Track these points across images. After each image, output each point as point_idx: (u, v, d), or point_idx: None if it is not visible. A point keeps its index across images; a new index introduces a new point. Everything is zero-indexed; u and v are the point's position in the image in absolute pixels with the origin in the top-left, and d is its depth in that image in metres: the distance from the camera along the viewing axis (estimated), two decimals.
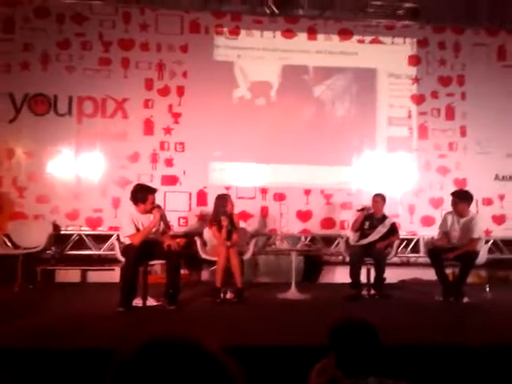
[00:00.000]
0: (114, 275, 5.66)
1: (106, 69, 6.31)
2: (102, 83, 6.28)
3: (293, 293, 5.20)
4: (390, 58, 6.73)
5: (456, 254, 5.06)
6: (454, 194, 5.41)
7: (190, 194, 6.31)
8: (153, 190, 4.74)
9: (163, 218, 4.87)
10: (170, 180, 6.29)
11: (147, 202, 4.63)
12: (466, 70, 6.78)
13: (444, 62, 6.77)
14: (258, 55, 6.64)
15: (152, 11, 6.44)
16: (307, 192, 6.47)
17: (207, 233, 5.36)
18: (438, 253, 5.23)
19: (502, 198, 6.66)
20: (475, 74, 6.76)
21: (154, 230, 4.67)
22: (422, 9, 6.78)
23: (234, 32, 6.58)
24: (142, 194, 4.65)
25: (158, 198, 5.36)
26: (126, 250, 4.62)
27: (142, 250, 4.49)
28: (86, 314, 4.11)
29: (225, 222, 5.06)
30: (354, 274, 5.25)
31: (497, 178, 6.67)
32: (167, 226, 5.02)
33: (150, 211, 4.66)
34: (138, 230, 4.59)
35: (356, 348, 1.78)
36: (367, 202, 5.66)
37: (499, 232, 6.60)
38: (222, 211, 5.18)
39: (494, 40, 6.88)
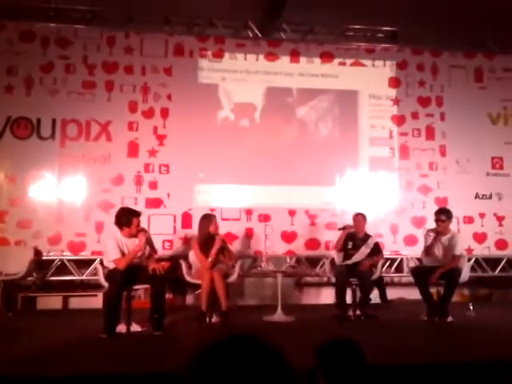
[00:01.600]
0: (96, 301, 5.59)
1: (90, 92, 6.33)
2: (85, 106, 6.29)
3: (279, 315, 5.19)
4: (370, 79, 6.88)
5: (440, 273, 5.11)
6: (436, 212, 5.49)
7: (175, 217, 6.29)
8: (137, 214, 4.72)
9: (149, 241, 4.84)
10: (154, 203, 6.27)
11: (132, 225, 4.60)
12: (445, 92, 6.96)
13: (423, 84, 6.95)
14: (241, 77, 6.73)
15: (137, 35, 6.50)
16: (292, 213, 6.51)
17: (192, 256, 5.33)
18: (422, 272, 5.27)
19: (482, 216, 6.78)
20: (453, 95, 6.94)
21: (139, 254, 4.63)
22: (400, 32, 6.98)
23: (218, 55, 6.67)
24: (126, 218, 4.62)
25: (143, 221, 5.33)
26: (110, 274, 4.56)
27: (126, 275, 4.44)
28: (68, 342, 4.03)
29: (219, 242, 5.06)
30: (340, 294, 5.26)
31: (477, 196, 6.81)
32: (153, 250, 4.97)
33: (135, 235, 4.62)
34: (123, 254, 4.55)
35: (342, 366, 1.77)
36: (351, 222, 5.69)
37: (480, 250, 6.71)
38: (205, 232, 5.19)
39: (471, 62, 7.09)
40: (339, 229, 5.67)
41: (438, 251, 5.36)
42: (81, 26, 6.40)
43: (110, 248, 4.53)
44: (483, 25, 6.58)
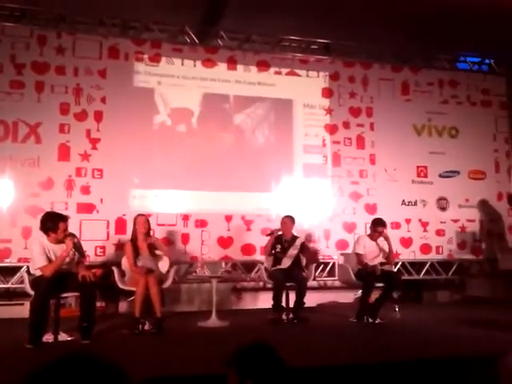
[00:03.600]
0: (23, 310, 5.31)
1: (19, 92, 6.06)
2: (13, 106, 6.02)
3: (213, 320, 5.20)
4: (305, 89, 7.09)
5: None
6: (376, 224, 5.68)
7: (108, 222, 6.14)
8: (64, 218, 4.55)
9: (77, 246, 4.69)
10: (87, 208, 6.08)
11: (58, 230, 4.43)
12: (374, 103, 7.30)
13: (354, 95, 7.25)
14: (178, 83, 6.71)
15: (69, 35, 6.31)
16: (228, 218, 6.55)
17: (125, 262, 5.24)
18: (367, 275, 5.40)
19: (408, 221, 7.16)
20: (382, 107, 7.30)
21: (67, 260, 4.47)
22: (333, 45, 7.26)
23: (155, 59, 6.62)
24: (52, 223, 4.45)
25: (73, 227, 5.17)
26: (36, 282, 4.38)
27: (54, 282, 4.27)
28: None
29: (144, 244, 5.04)
30: (278, 298, 5.35)
31: (403, 203, 7.18)
32: (82, 256, 4.83)
33: (62, 240, 4.47)
34: (50, 261, 4.38)
35: (256, 370, 1.73)
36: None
37: (407, 254, 7.07)
38: (134, 233, 5.16)
39: (398, 75, 7.50)
40: (267, 235, 5.76)
41: (371, 254, 5.61)
42: (9, 23, 6.14)
43: (36, 255, 4.36)
44: (410, 41, 6.98)
